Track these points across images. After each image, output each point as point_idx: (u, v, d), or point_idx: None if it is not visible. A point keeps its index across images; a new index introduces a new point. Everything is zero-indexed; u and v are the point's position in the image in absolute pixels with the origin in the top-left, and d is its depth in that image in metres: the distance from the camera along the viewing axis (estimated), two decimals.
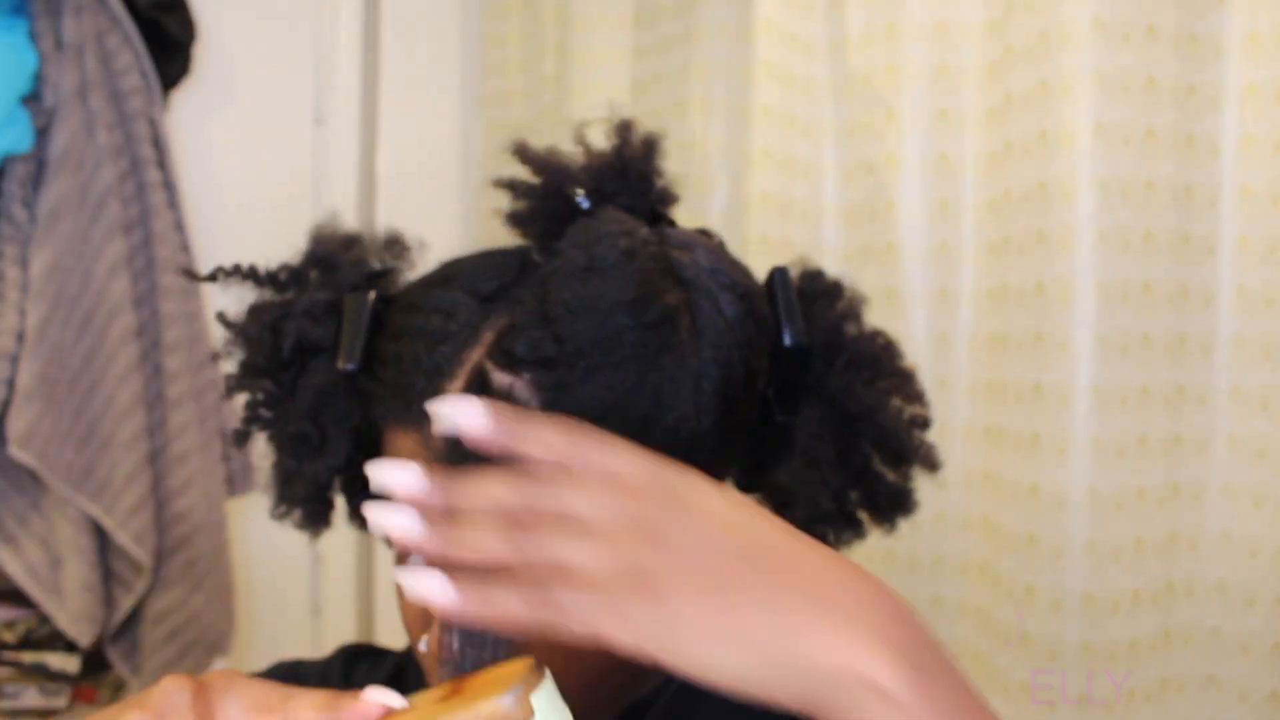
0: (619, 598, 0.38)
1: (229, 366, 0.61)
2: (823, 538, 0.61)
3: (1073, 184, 1.09)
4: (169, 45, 1.48)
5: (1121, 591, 1.10)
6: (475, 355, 0.50)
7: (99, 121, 1.38)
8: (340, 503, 0.62)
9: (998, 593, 1.18)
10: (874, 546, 1.34)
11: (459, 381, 0.50)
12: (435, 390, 0.50)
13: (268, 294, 0.61)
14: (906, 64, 1.29)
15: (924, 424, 0.63)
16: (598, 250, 0.49)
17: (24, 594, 1.35)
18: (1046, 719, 1.11)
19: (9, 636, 1.39)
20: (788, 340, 0.56)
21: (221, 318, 0.61)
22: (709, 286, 0.53)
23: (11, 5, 1.35)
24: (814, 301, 0.60)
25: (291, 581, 1.71)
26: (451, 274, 0.54)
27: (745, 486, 0.60)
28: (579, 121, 0.56)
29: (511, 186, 0.54)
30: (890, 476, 0.62)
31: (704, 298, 0.52)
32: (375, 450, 0.55)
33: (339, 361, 0.55)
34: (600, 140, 0.56)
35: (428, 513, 0.40)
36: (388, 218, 1.80)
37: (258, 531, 1.64)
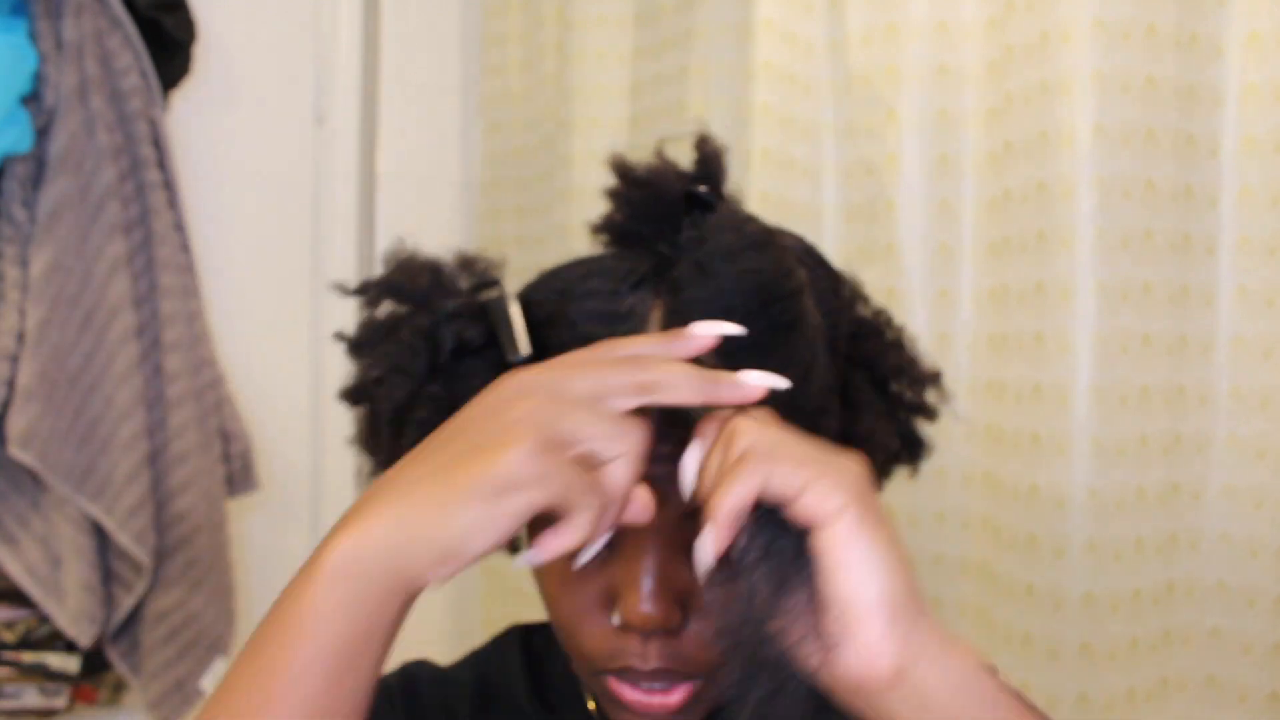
0: (826, 458, 0.45)
1: (350, 380, 0.62)
2: (888, 471, 0.71)
3: (1073, 184, 1.10)
4: (169, 45, 1.48)
5: (1121, 591, 1.10)
6: (653, 330, 0.55)
7: (99, 121, 1.38)
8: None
9: (997, 592, 1.18)
10: None
11: None
12: None
13: (377, 310, 0.62)
14: (906, 64, 1.29)
15: (936, 377, 0.73)
16: (746, 230, 0.56)
17: (24, 594, 1.35)
18: None
19: (9, 636, 1.38)
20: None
21: (341, 336, 0.63)
22: (812, 264, 0.62)
23: (11, 5, 1.35)
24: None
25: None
26: (587, 271, 0.59)
27: (840, 437, 0.66)
28: (661, 139, 0.64)
29: (620, 197, 0.59)
30: (911, 399, 0.71)
31: (813, 273, 0.61)
32: None
33: (508, 355, 0.56)
34: (676, 153, 0.62)
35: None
36: (388, 218, 1.80)
37: (258, 531, 1.64)
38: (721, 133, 1.41)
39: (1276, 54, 1.08)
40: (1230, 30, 1.10)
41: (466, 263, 0.63)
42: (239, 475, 1.54)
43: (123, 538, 1.35)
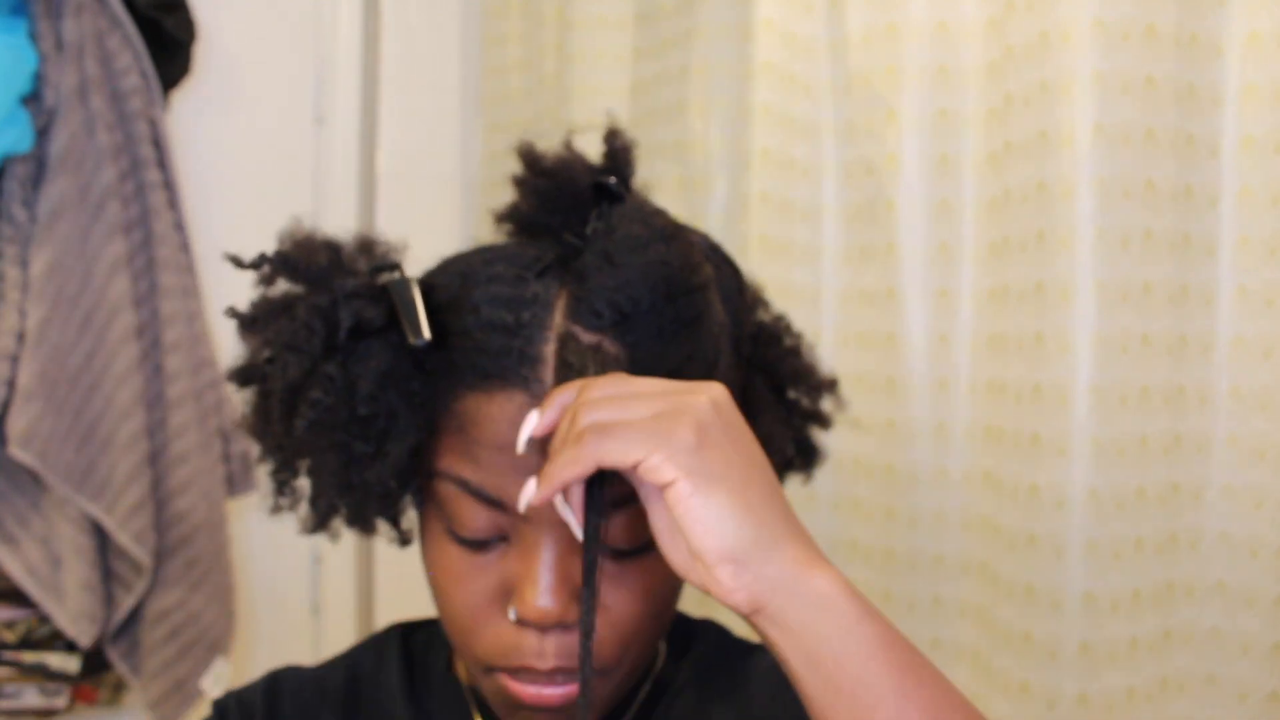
0: (662, 428, 0.46)
1: (240, 359, 0.62)
2: (783, 473, 0.72)
3: (1073, 184, 1.09)
4: (169, 45, 1.48)
5: (1121, 591, 1.10)
6: (557, 318, 0.55)
7: (99, 121, 1.38)
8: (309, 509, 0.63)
9: (997, 593, 1.18)
10: (874, 547, 1.35)
11: (551, 343, 0.54)
12: (532, 352, 0.54)
13: (270, 287, 0.63)
14: (906, 64, 1.29)
15: (832, 386, 0.75)
16: (654, 223, 0.56)
17: (24, 594, 1.35)
18: (1046, 719, 1.11)
19: (9, 636, 1.38)
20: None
21: (233, 312, 0.62)
22: (717, 261, 0.62)
23: (11, 5, 1.35)
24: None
25: (291, 581, 1.71)
26: (491, 257, 0.59)
27: None
28: (571, 128, 0.63)
29: (526, 185, 0.60)
30: (807, 406, 0.74)
31: (720, 268, 0.62)
32: (429, 427, 0.57)
33: (409, 337, 0.56)
34: (588, 145, 0.62)
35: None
36: (388, 217, 1.80)
37: (258, 531, 1.64)
38: (721, 132, 1.42)
39: (1277, 54, 1.07)
40: (1230, 30, 1.10)
41: (366, 245, 0.63)
42: (239, 475, 1.54)
43: (123, 538, 1.35)
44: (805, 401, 0.72)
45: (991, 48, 1.21)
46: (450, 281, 0.58)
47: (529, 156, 0.61)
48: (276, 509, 0.61)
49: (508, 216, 0.62)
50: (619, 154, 0.61)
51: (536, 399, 0.53)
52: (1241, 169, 1.10)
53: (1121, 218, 1.09)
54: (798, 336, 0.74)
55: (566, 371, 0.53)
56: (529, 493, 0.50)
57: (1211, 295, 1.12)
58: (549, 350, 0.54)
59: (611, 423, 0.47)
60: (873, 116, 1.32)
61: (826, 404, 0.74)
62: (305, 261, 0.61)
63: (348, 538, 0.63)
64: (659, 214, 0.58)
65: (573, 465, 0.47)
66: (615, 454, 0.46)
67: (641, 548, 0.55)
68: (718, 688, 0.66)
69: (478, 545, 0.56)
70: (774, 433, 0.66)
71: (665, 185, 1.46)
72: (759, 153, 1.37)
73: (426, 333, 0.55)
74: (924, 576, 1.29)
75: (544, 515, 0.54)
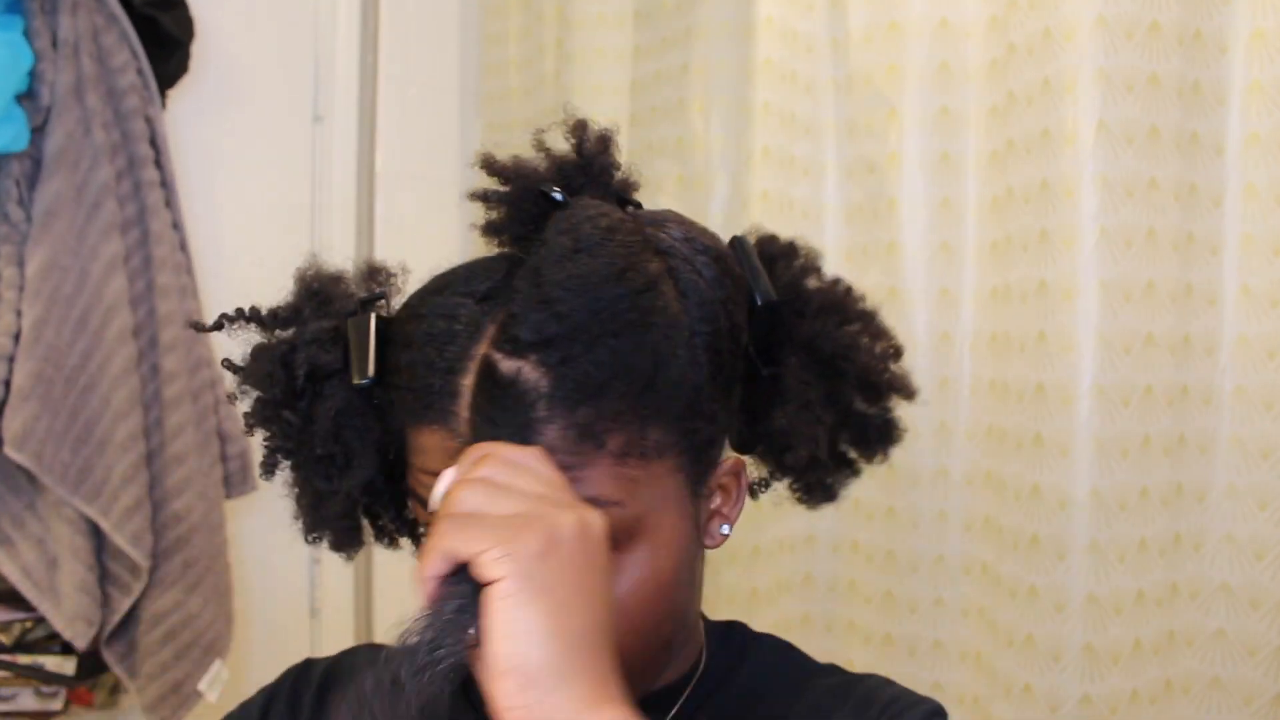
0: (513, 526, 0.46)
1: (243, 407, 0.64)
2: (822, 480, 0.67)
3: (1075, 182, 1.09)
4: (167, 43, 1.47)
5: (1125, 593, 1.10)
6: (481, 348, 0.54)
7: (95, 119, 1.38)
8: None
9: (1000, 594, 1.18)
10: (877, 547, 1.34)
11: (470, 376, 0.54)
12: (451, 387, 0.54)
13: (261, 335, 0.64)
14: (908, 62, 1.29)
15: (896, 354, 0.67)
16: (581, 232, 0.54)
17: (20, 596, 1.35)
18: None
19: (4, 639, 1.38)
20: (759, 299, 0.61)
21: (229, 364, 0.65)
22: (685, 253, 0.58)
23: (7, 3, 1.34)
24: (774, 262, 0.66)
25: (289, 583, 1.71)
26: (446, 282, 0.59)
27: (748, 437, 0.65)
28: (536, 129, 0.61)
29: (485, 197, 0.59)
30: (872, 411, 0.67)
31: (682, 263, 0.58)
32: (398, 462, 0.59)
33: (354, 378, 0.58)
34: (559, 143, 0.60)
35: None
36: (387, 217, 1.79)
37: (255, 532, 1.63)
38: (722, 131, 1.41)
39: None
40: (1234, 28, 1.09)
41: (370, 273, 0.65)
42: (236, 476, 1.53)
43: (119, 539, 1.35)
44: (861, 369, 0.64)
45: (994, 45, 1.21)
46: (403, 312, 0.59)
47: (486, 164, 0.61)
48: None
49: (484, 229, 0.61)
50: (587, 150, 0.59)
51: (454, 433, 0.54)
52: (1245, 167, 1.09)
53: (1125, 216, 1.08)
54: (858, 300, 0.67)
55: (479, 408, 0.53)
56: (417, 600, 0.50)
57: (1215, 294, 1.11)
58: (467, 383, 0.54)
59: (468, 514, 0.47)
60: (874, 115, 1.31)
61: (896, 371, 0.66)
62: (275, 311, 0.63)
63: None
64: (591, 219, 0.54)
65: (430, 561, 0.47)
66: (460, 547, 0.46)
67: None
68: (765, 706, 0.65)
69: None
70: (795, 427, 0.61)
71: (666, 184, 1.45)
72: (760, 151, 1.36)
73: (369, 371, 0.57)
74: (925, 577, 1.28)
75: None
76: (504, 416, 0.52)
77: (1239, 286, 1.10)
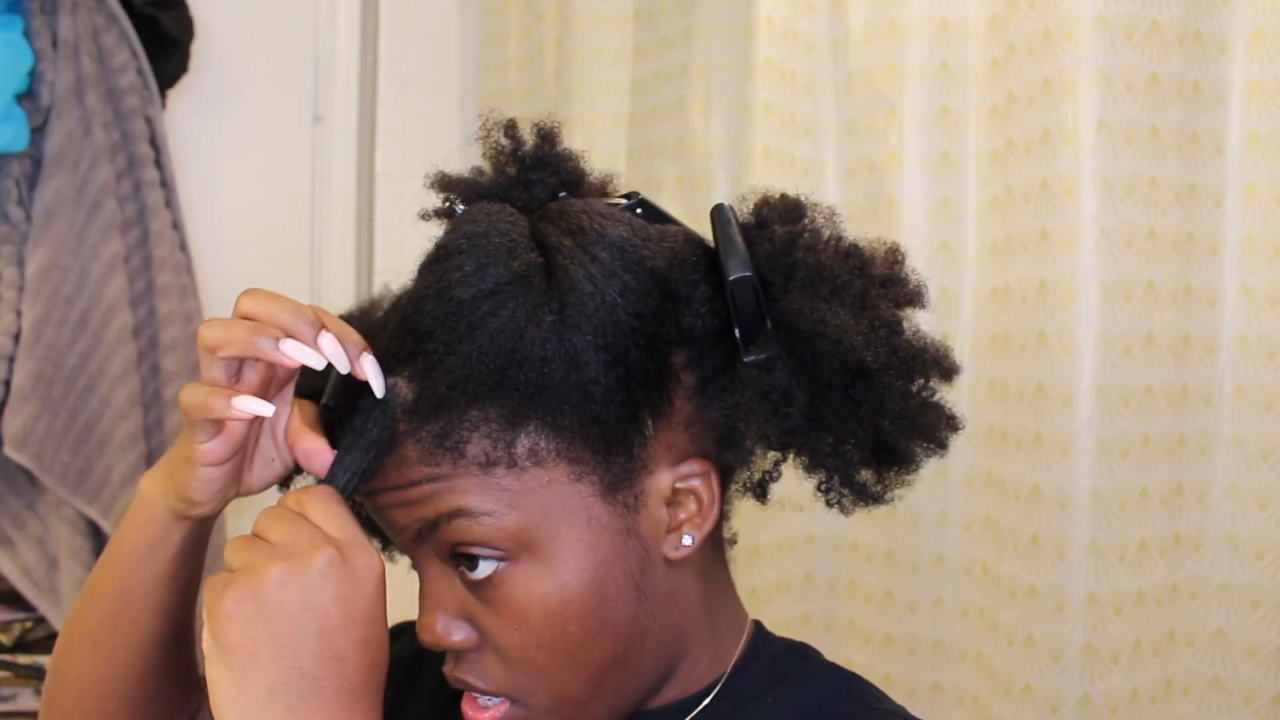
0: (217, 585, 0.50)
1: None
2: (830, 503, 0.62)
3: (1075, 182, 1.09)
4: (167, 43, 1.47)
5: (1125, 593, 1.10)
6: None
7: (95, 119, 1.38)
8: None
9: (1000, 593, 1.18)
10: (876, 546, 1.34)
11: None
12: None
13: None
14: (908, 62, 1.28)
15: (919, 301, 0.62)
16: (444, 240, 0.55)
17: (20, 596, 1.35)
18: None
19: (4, 639, 1.38)
20: (728, 274, 0.55)
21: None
22: (571, 248, 0.54)
23: (7, 3, 1.34)
24: (767, 227, 0.58)
25: None
26: (390, 302, 0.61)
27: (771, 436, 0.57)
28: (470, 135, 0.62)
29: (439, 215, 0.62)
30: (894, 393, 0.59)
31: (564, 258, 0.53)
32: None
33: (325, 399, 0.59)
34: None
35: None
36: (386, 216, 1.79)
37: None
38: (722, 131, 1.41)
39: None
40: (1234, 27, 1.09)
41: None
42: None
43: None
44: (853, 354, 0.57)
45: (994, 45, 1.21)
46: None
47: (442, 184, 0.64)
48: None
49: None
50: (523, 153, 0.60)
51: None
52: (1246, 167, 1.09)
53: (1125, 216, 1.08)
54: (860, 271, 0.59)
55: (350, 425, 0.53)
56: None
57: (1216, 294, 1.11)
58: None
59: (228, 565, 0.51)
60: (874, 114, 1.31)
61: (915, 324, 0.60)
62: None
63: None
64: (462, 224, 0.55)
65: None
66: (205, 604, 0.50)
67: (487, 578, 0.52)
68: None
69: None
70: (749, 410, 0.53)
71: (665, 183, 1.45)
72: (760, 151, 1.36)
73: (325, 398, 0.57)
74: (926, 578, 1.28)
75: (411, 551, 0.56)
76: (368, 432, 0.52)
77: (1239, 286, 1.10)
